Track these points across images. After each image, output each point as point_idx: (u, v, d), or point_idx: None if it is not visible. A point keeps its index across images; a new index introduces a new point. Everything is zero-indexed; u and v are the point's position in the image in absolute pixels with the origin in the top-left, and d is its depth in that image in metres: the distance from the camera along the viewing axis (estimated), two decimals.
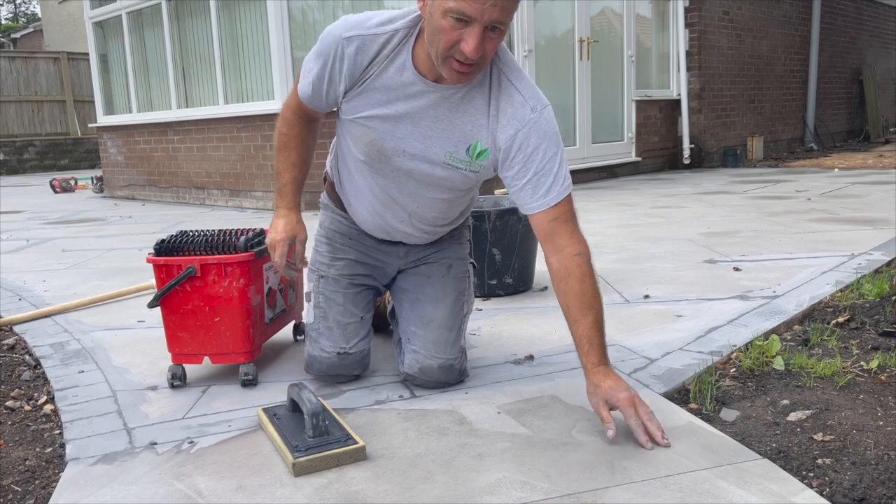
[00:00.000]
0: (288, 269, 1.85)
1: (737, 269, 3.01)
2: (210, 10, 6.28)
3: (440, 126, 1.61)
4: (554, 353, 2.09)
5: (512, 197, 1.65)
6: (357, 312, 1.93)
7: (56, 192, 8.67)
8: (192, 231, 2.01)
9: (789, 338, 2.18)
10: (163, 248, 1.92)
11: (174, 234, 1.99)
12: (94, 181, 8.48)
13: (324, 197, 2.00)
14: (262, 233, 2.03)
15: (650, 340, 2.15)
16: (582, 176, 7.06)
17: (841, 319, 2.27)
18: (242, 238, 1.92)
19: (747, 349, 2.03)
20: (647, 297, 2.66)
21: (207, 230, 2.02)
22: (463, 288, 1.94)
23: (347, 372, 1.92)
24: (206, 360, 1.95)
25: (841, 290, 2.59)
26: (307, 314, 1.97)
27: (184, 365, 1.96)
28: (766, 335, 2.14)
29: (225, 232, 2.01)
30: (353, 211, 1.89)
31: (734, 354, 2.00)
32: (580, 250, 1.60)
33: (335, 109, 1.74)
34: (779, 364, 1.90)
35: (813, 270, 2.92)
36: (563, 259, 1.59)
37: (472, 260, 2.04)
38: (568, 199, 1.61)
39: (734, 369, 1.92)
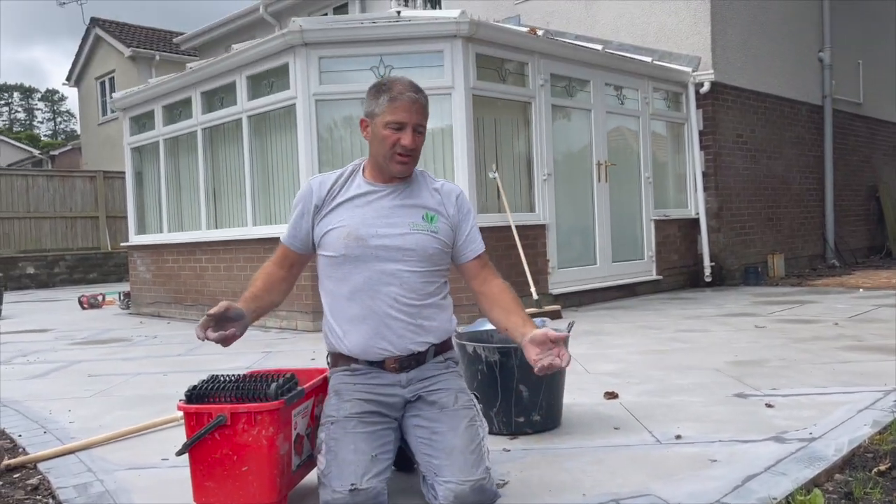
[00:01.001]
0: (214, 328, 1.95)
1: (769, 406, 2.95)
2: (243, 137, 6.58)
3: (398, 210, 2.16)
4: (587, 503, 2.02)
5: (455, 256, 2.24)
6: (367, 450, 1.97)
7: (84, 308, 8.81)
8: (222, 376, 2.03)
9: (831, 489, 2.10)
10: (194, 394, 1.93)
11: (205, 378, 2.01)
12: (122, 297, 8.63)
13: (329, 373, 2.23)
14: (293, 377, 2.05)
15: (685, 490, 2.08)
16: (602, 294, 7.08)
17: (882, 467, 2.20)
18: (273, 385, 1.93)
19: (788, 503, 1.95)
20: (678, 437, 2.60)
21: (238, 375, 2.04)
22: (473, 415, 2.10)
23: None
24: None
25: (879, 433, 2.51)
26: (319, 463, 1.99)
27: None
28: (807, 487, 2.07)
29: (255, 377, 2.03)
30: (349, 339, 2.12)
31: None
32: (501, 280, 2.27)
33: (312, 252, 2.21)
34: None
35: (849, 408, 2.85)
36: (492, 287, 2.24)
37: (475, 393, 2.26)
38: (484, 249, 2.29)
39: None
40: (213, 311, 1.95)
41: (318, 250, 2.18)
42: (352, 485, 1.88)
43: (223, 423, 1.87)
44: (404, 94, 2.09)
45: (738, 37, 8.49)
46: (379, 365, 2.14)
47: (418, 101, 2.11)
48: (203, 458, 1.90)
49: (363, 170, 2.22)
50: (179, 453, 1.90)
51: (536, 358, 2.00)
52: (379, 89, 2.13)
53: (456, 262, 2.26)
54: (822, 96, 10.03)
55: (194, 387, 1.95)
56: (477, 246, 2.25)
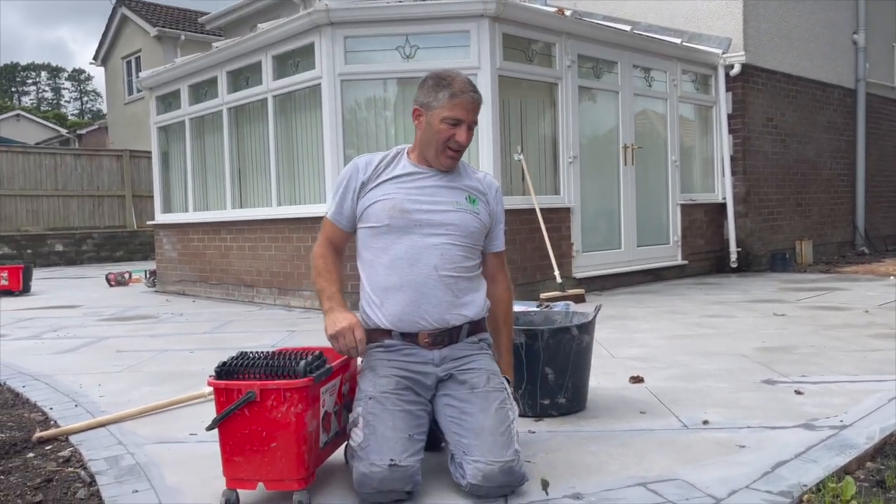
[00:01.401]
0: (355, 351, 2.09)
1: (798, 393, 2.91)
2: (268, 117, 6.59)
3: (442, 191, 2.23)
4: (613, 486, 2.02)
5: (486, 242, 2.31)
6: (405, 429, 2.00)
7: (111, 285, 8.94)
8: (252, 353, 2.04)
9: (862, 477, 2.08)
10: (223, 370, 1.94)
11: (234, 355, 2.02)
12: (147, 275, 8.73)
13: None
14: (321, 356, 2.05)
15: (713, 475, 2.07)
16: (628, 279, 7.03)
17: None
18: (302, 363, 1.93)
19: (819, 490, 1.93)
20: (706, 422, 2.57)
21: (267, 352, 2.05)
22: (503, 397, 2.11)
23: (399, 487, 1.92)
24: (260, 485, 1.93)
25: None
26: (355, 436, 2.01)
27: (237, 490, 1.94)
28: (838, 474, 2.04)
29: (284, 354, 2.04)
30: (386, 308, 2.16)
31: (806, 496, 1.91)
32: (509, 285, 2.41)
33: (355, 230, 2.28)
34: None
35: (880, 396, 2.81)
36: (500, 290, 2.37)
37: (506, 377, 2.26)
38: (504, 249, 2.40)
39: None
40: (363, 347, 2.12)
41: (359, 223, 2.24)
42: (391, 460, 1.91)
43: (253, 399, 1.88)
44: (465, 94, 2.16)
45: (771, 18, 8.32)
46: (412, 339, 2.16)
47: (476, 101, 2.20)
48: (232, 434, 1.91)
49: (407, 153, 2.29)
50: (209, 428, 1.91)
51: None
52: (438, 83, 2.18)
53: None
54: (856, 79, 9.82)
55: (224, 363, 1.96)
56: (501, 243, 2.37)
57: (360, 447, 1.97)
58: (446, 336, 2.18)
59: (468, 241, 2.22)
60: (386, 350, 2.18)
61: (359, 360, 2.26)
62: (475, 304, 2.24)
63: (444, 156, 2.20)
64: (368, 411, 2.02)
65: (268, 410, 1.89)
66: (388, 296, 2.17)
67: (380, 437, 1.96)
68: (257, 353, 2.04)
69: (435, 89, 2.18)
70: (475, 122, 2.22)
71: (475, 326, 2.25)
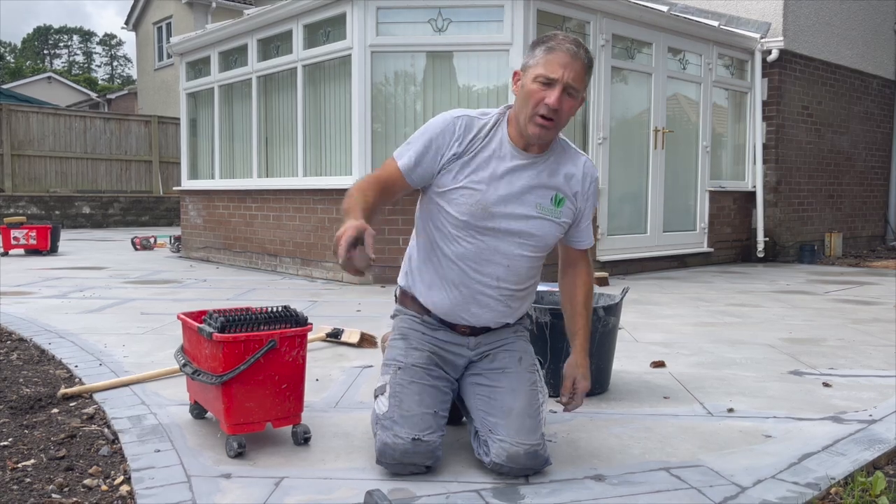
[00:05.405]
0: (361, 258, 1.67)
1: (827, 385, 2.86)
2: (297, 86, 6.57)
3: (531, 189, 2.01)
4: (636, 470, 1.99)
5: (564, 238, 2.13)
6: (431, 405, 1.99)
7: (136, 249, 9.03)
8: (220, 309, 2.11)
9: (892, 472, 2.03)
10: (227, 326, 2.01)
11: (212, 314, 2.07)
12: (172, 240, 8.81)
13: (397, 308, 2.22)
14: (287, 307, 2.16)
15: (739, 464, 2.03)
16: (652, 264, 6.96)
17: None
18: (301, 312, 2.09)
19: (847, 484, 1.89)
20: (731, 410, 2.54)
21: (233, 308, 2.15)
22: (535, 379, 2.08)
23: (420, 461, 1.92)
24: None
25: None
26: (380, 405, 2.00)
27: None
28: (867, 468, 2.00)
29: (251, 309, 2.13)
30: (433, 295, 2.08)
31: (834, 489, 1.87)
32: (591, 272, 2.20)
33: (419, 189, 2.07)
34: None
35: None
36: (579, 274, 2.18)
37: (539, 358, 2.21)
38: (592, 245, 2.24)
39: None
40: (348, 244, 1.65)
41: (440, 198, 2.00)
42: (416, 435, 1.90)
43: (274, 346, 2.01)
44: (563, 45, 1.89)
45: (812, 3, 8.10)
46: (450, 325, 2.12)
47: (578, 58, 1.89)
48: (247, 381, 2.02)
49: (508, 121, 2.03)
50: (228, 376, 1.98)
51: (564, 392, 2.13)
52: (538, 41, 1.95)
53: (561, 241, 2.16)
54: None
55: (227, 319, 2.02)
56: (587, 239, 2.16)
57: (384, 416, 1.96)
58: (485, 329, 2.13)
59: (541, 252, 2.07)
60: (422, 323, 2.14)
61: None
62: (521, 312, 2.18)
63: (532, 123, 1.91)
64: (396, 382, 2.01)
65: (282, 355, 2.05)
66: (441, 285, 2.07)
67: (405, 411, 1.94)
68: (226, 308, 2.13)
69: (533, 47, 1.94)
70: (575, 88, 1.90)
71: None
